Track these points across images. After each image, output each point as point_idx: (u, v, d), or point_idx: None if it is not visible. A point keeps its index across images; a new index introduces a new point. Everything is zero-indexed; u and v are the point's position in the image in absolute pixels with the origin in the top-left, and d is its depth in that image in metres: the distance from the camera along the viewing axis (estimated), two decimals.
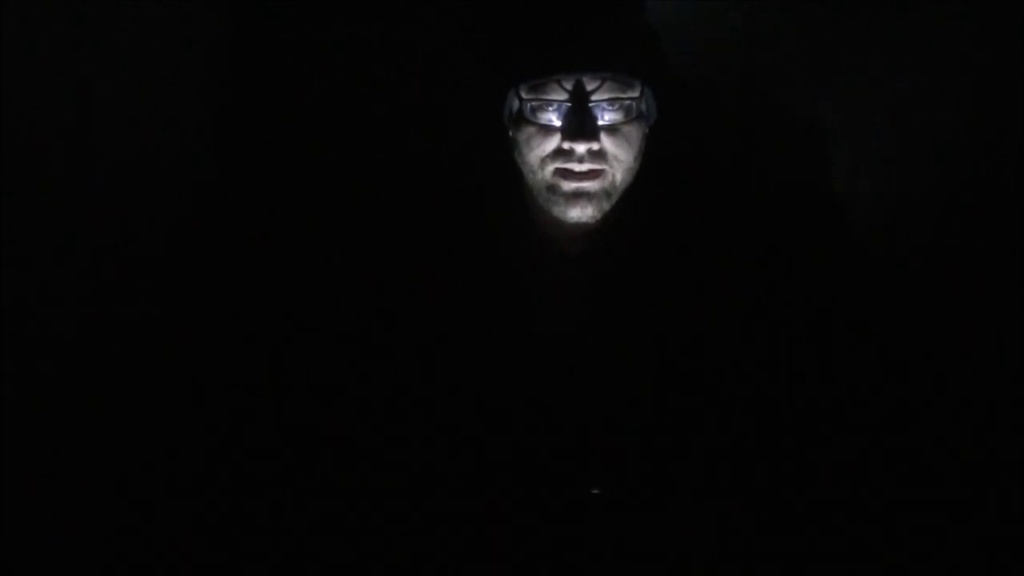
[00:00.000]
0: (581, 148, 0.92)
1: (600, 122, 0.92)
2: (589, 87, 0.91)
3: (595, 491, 0.98)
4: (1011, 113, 1.12)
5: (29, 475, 0.97)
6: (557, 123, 0.92)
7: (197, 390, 1.15)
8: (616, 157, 0.94)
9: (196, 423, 1.14)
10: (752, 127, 1.23)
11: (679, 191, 1.05)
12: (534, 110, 0.93)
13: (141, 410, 1.10)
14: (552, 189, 0.95)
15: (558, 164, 0.94)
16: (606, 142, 0.93)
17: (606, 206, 0.96)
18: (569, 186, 0.94)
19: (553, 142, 0.93)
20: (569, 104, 0.91)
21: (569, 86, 0.91)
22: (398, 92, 1.23)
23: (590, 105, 0.91)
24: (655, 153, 1.00)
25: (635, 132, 0.94)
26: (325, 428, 1.05)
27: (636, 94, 0.93)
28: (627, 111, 0.93)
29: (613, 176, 0.95)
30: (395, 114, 1.23)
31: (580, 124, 0.91)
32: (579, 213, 0.95)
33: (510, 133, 0.97)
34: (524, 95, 0.93)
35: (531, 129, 0.94)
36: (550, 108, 0.93)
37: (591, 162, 0.93)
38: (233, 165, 1.23)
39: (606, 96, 0.92)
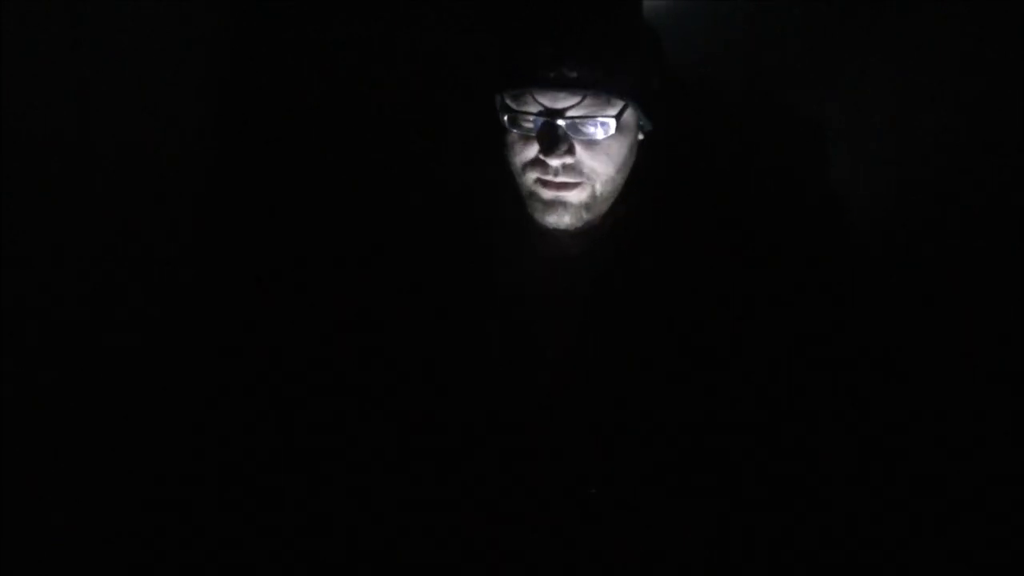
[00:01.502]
0: (554, 163, 0.92)
1: (578, 136, 0.91)
2: (565, 104, 0.90)
3: (594, 491, 0.98)
4: (1011, 113, 1.12)
5: (29, 475, 0.97)
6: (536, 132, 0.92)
7: (197, 390, 1.15)
8: (594, 170, 0.93)
9: (196, 423, 1.14)
10: (754, 128, 1.22)
11: (680, 192, 1.05)
12: (515, 118, 0.93)
13: (141, 410, 1.10)
14: (532, 195, 0.96)
15: (537, 173, 0.94)
16: (584, 156, 0.92)
17: (585, 215, 0.96)
18: (547, 194, 0.95)
19: (532, 150, 0.93)
20: (544, 119, 0.90)
21: (545, 101, 0.90)
22: (398, 92, 1.23)
23: (566, 121, 0.90)
24: (655, 154, 0.99)
25: (616, 146, 0.93)
26: (324, 429, 1.05)
27: (615, 112, 0.91)
28: (606, 128, 0.91)
29: (592, 188, 0.94)
30: (395, 114, 1.23)
31: (550, 141, 0.90)
32: (556, 220, 0.95)
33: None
34: (507, 102, 0.93)
35: (512, 136, 0.94)
36: (529, 119, 0.92)
37: (566, 175, 0.93)
38: (233, 165, 1.23)
39: (582, 113, 0.90)
